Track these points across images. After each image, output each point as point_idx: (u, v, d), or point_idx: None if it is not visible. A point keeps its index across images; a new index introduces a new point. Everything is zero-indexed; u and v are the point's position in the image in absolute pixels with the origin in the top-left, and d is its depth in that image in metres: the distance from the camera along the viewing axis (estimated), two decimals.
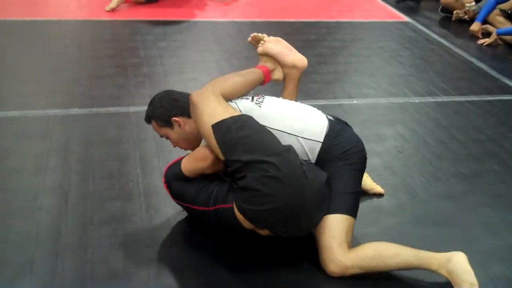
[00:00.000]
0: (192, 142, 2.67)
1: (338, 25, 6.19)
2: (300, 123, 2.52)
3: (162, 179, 2.66)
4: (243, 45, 5.31)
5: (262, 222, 2.37)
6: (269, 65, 2.77)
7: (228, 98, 2.53)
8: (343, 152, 2.51)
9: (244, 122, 2.41)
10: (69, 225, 2.68)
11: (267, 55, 2.78)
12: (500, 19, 6.11)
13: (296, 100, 2.79)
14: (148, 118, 2.72)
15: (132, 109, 3.87)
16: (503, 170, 3.42)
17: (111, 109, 3.86)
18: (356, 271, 2.37)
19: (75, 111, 3.80)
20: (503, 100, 4.46)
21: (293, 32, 5.72)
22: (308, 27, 6.05)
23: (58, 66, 4.53)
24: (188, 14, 6.16)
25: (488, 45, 5.79)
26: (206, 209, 2.47)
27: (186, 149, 2.74)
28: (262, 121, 2.48)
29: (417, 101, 4.33)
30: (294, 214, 2.32)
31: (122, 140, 3.47)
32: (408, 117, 4.08)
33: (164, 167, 3.08)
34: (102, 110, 3.85)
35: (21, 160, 3.19)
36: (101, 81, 4.30)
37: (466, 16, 6.44)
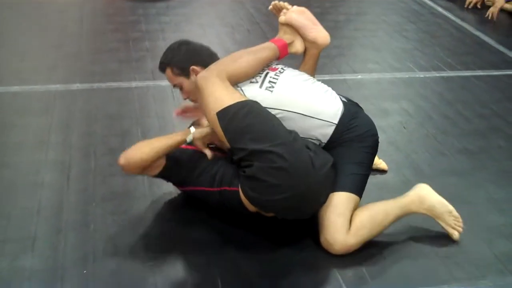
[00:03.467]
0: None
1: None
2: (314, 105, 2.45)
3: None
4: (245, 19, 5.26)
5: (268, 208, 2.36)
6: (288, 37, 2.61)
7: (236, 80, 2.43)
8: (358, 135, 2.47)
9: (250, 109, 2.32)
10: (71, 201, 2.66)
11: (288, 26, 2.63)
12: None
13: (314, 76, 2.70)
14: (164, 65, 2.60)
15: (134, 84, 3.83)
16: (509, 146, 3.38)
17: (113, 84, 3.83)
18: (359, 246, 2.37)
19: (76, 86, 3.76)
20: (510, 75, 4.40)
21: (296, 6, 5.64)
22: (312, 0, 5.97)
23: (58, 41, 4.49)
24: None
25: (492, 17, 5.67)
26: (210, 189, 2.44)
27: (196, 102, 2.62)
28: (273, 105, 2.40)
29: (422, 75, 4.28)
30: (300, 201, 2.31)
31: (124, 116, 3.44)
32: (413, 92, 4.03)
33: None
34: (104, 85, 3.81)
35: (22, 135, 3.17)
36: (102, 56, 4.26)
37: None
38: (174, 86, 2.63)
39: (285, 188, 2.25)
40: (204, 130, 2.46)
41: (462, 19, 5.65)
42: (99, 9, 5.29)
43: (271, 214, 2.43)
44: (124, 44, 4.48)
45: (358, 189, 2.43)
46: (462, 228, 2.53)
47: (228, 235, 2.51)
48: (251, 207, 2.37)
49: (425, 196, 2.50)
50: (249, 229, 2.52)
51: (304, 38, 2.63)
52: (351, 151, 2.46)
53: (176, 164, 2.51)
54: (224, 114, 2.30)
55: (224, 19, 5.30)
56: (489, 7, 5.89)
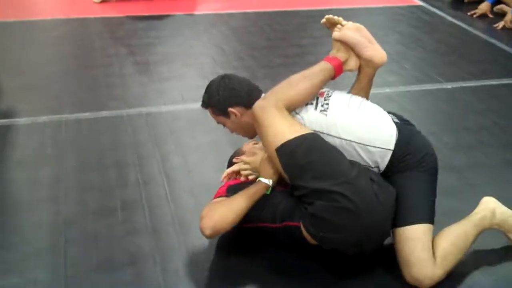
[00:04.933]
0: (250, 132, 2.55)
1: (352, 12, 6.08)
2: (369, 132, 2.35)
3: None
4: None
5: (330, 245, 2.29)
6: (342, 55, 2.50)
7: (294, 108, 2.36)
8: (418, 159, 2.37)
9: (310, 144, 2.25)
10: (119, 234, 2.57)
11: (342, 42, 2.52)
12: None
13: (368, 95, 2.64)
14: (205, 105, 2.58)
15: (164, 108, 3.75)
16: None
17: (143, 110, 3.74)
18: (446, 275, 2.28)
19: (105, 113, 3.67)
20: None
21: (310, 21, 5.65)
22: (324, 15, 5.91)
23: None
24: (183, 8, 5.97)
25: (504, 28, 5.66)
26: (274, 226, 2.36)
27: (243, 136, 2.63)
28: (328, 131, 2.33)
29: (449, 86, 4.25)
30: (364, 238, 2.24)
31: (160, 140, 3.37)
32: (443, 103, 3.99)
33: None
34: (133, 111, 3.71)
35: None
36: (123, 80, 4.17)
37: None
38: (218, 123, 2.62)
39: (350, 227, 2.18)
40: (274, 174, 2.39)
41: (474, 28, 5.65)
42: (108, 31, 5.20)
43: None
44: (144, 67, 4.40)
45: (433, 218, 2.34)
46: None
47: (283, 263, 2.43)
48: (313, 242, 2.30)
49: (495, 209, 2.45)
50: (312, 258, 2.43)
51: (359, 56, 2.53)
52: (414, 177, 2.35)
53: None
54: (284, 150, 2.24)
55: (240, 37, 5.24)
56: (500, 14, 5.91)
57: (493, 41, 5.29)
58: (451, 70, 4.55)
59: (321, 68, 2.48)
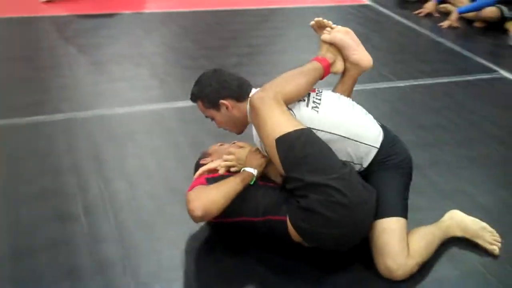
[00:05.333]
0: (239, 126, 2.55)
1: (302, 11, 6.10)
2: (358, 129, 2.41)
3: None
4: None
5: (316, 241, 2.29)
6: (330, 56, 2.56)
7: (290, 102, 2.37)
8: (397, 162, 2.46)
9: (307, 138, 2.27)
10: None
11: (330, 44, 2.58)
12: None
13: (350, 97, 2.66)
14: (194, 97, 2.54)
15: (120, 110, 3.67)
16: (507, 149, 3.44)
17: (89, 112, 3.65)
18: (418, 267, 2.33)
19: (57, 116, 3.56)
20: (484, 79, 4.51)
21: (262, 20, 5.64)
22: (275, 14, 5.95)
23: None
24: (132, 6, 5.89)
25: (450, 27, 5.81)
26: (255, 219, 2.33)
27: (231, 131, 2.61)
28: (319, 126, 2.36)
29: (401, 84, 4.32)
30: (350, 236, 2.27)
31: (95, 146, 3.28)
32: (397, 101, 4.05)
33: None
34: (80, 114, 3.60)
35: None
36: (72, 82, 4.07)
37: None
38: (206, 117, 2.59)
39: (343, 223, 2.20)
40: (260, 165, 2.42)
41: (421, 26, 5.78)
42: (56, 31, 5.05)
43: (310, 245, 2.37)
44: (96, 68, 4.30)
45: (407, 215, 2.41)
46: (501, 243, 2.52)
47: (269, 261, 2.40)
48: (296, 237, 2.29)
49: (459, 219, 2.56)
50: (292, 257, 2.42)
51: (346, 59, 2.60)
52: (393, 176, 2.43)
53: None
54: (283, 142, 2.24)
55: (192, 36, 5.19)
56: (445, 13, 6.06)
57: (440, 39, 5.42)
58: (402, 69, 4.62)
59: (313, 67, 2.51)
